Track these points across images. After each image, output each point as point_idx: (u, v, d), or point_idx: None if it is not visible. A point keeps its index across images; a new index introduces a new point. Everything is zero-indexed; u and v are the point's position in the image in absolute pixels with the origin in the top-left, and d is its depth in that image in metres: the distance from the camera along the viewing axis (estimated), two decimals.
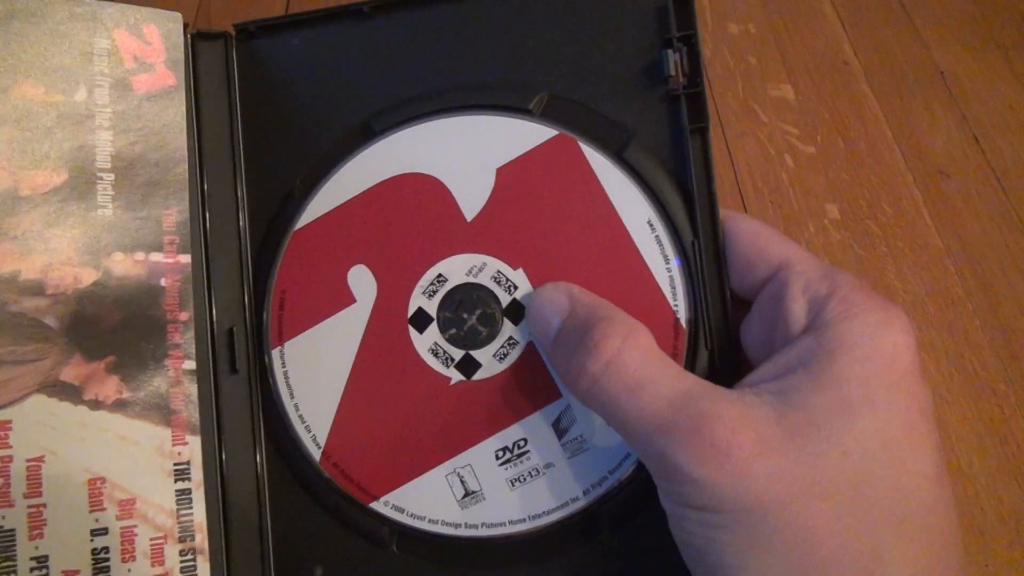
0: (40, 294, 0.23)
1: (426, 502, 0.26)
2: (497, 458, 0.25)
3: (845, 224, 0.55)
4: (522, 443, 0.25)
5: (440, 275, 0.26)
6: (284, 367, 0.26)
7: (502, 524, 0.25)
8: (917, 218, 0.56)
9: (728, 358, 0.26)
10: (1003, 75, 0.66)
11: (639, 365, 0.22)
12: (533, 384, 0.26)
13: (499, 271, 0.27)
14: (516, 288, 0.27)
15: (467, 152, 0.26)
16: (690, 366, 0.26)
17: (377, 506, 0.26)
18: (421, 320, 0.26)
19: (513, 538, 0.25)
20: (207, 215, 0.26)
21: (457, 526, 0.26)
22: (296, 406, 0.26)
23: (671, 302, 0.26)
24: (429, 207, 0.26)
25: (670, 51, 0.27)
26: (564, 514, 0.25)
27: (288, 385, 0.26)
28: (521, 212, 0.26)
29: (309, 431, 0.26)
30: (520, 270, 0.27)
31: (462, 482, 0.26)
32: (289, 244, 0.26)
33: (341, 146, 0.27)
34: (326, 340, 0.26)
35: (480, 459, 0.26)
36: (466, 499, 0.26)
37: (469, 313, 0.27)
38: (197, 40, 0.27)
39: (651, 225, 0.26)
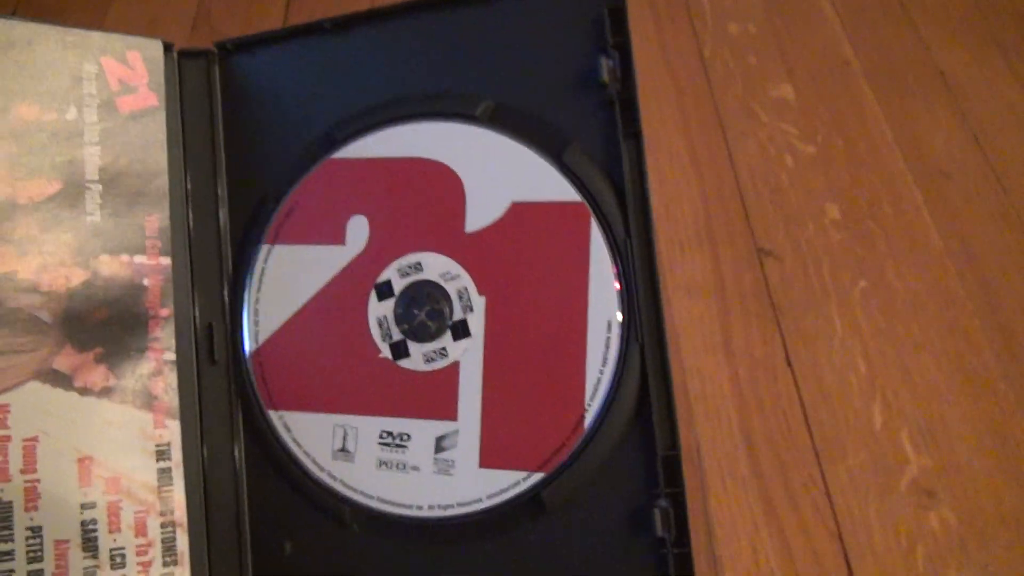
0: (35, 291, 0.26)
1: (308, 436, 0.28)
2: (381, 437, 0.28)
3: (845, 224, 0.55)
4: (406, 437, 0.28)
5: (419, 263, 0.28)
6: (265, 264, 0.28)
7: (361, 493, 0.28)
8: (917, 218, 0.56)
9: (659, 353, 0.28)
10: (1003, 75, 0.66)
11: None
12: (440, 397, 0.28)
13: (466, 288, 0.28)
14: (472, 311, 0.28)
15: (495, 170, 0.28)
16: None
17: (272, 416, 0.28)
18: (384, 291, 0.28)
19: (357, 508, 0.28)
20: (191, 218, 0.28)
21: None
22: (257, 302, 0.28)
23: (586, 400, 0.28)
24: (441, 201, 0.28)
25: (604, 57, 0.29)
26: (403, 514, 0.28)
27: (261, 282, 0.28)
28: (512, 251, 0.27)
29: (256, 327, 0.28)
30: (483, 297, 0.28)
31: (344, 438, 0.28)
32: (320, 168, 0.28)
33: (305, 154, 0.29)
34: (306, 260, 0.28)
35: (367, 429, 0.28)
36: (339, 453, 0.28)
37: (422, 308, 0.28)
38: (182, 58, 0.29)
39: (609, 325, 0.28)
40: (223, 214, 0.28)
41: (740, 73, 0.63)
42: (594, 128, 0.29)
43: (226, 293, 0.28)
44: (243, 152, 0.29)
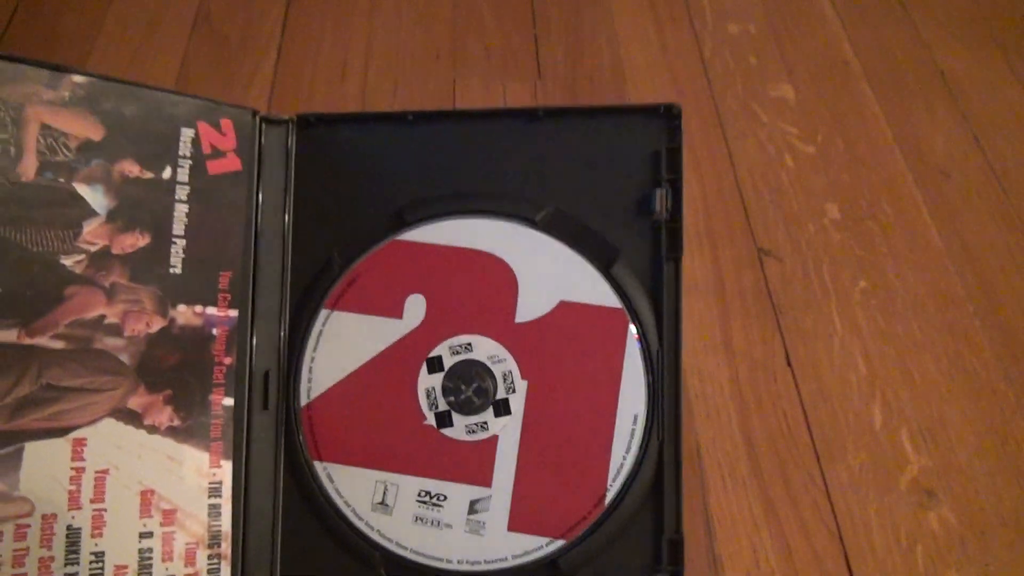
0: (119, 335, 0.28)
1: (350, 487, 0.30)
2: (419, 495, 0.30)
3: (845, 224, 0.55)
4: (442, 498, 0.30)
5: (470, 344, 0.31)
6: (323, 327, 0.31)
7: (396, 543, 0.31)
8: (917, 218, 0.56)
9: (674, 449, 0.31)
10: (1003, 75, 0.66)
11: None
12: (477, 465, 0.31)
13: (511, 371, 0.32)
14: (514, 392, 0.32)
15: (548, 270, 0.31)
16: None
17: (318, 466, 0.30)
18: (435, 365, 0.31)
19: (390, 557, 0.30)
20: (256, 273, 0.31)
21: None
22: (312, 360, 0.31)
23: (609, 480, 0.32)
24: (496, 291, 0.31)
25: (659, 189, 0.31)
26: (434, 566, 0.30)
27: (318, 342, 0.31)
28: (556, 343, 0.31)
29: (309, 383, 0.31)
30: (526, 381, 0.32)
31: (384, 493, 0.30)
32: (387, 246, 0.31)
33: (374, 229, 0.32)
34: (363, 329, 0.31)
35: (407, 487, 0.31)
36: (378, 506, 0.30)
37: (469, 385, 0.31)
38: (264, 124, 0.32)
39: (635, 418, 0.32)
40: (287, 271, 0.31)
41: (740, 73, 0.63)
42: (640, 247, 0.32)
43: (283, 346, 0.31)
44: (311, 217, 0.31)
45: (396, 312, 0.31)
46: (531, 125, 0.32)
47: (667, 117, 0.31)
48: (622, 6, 0.67)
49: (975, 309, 0.52)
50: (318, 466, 0.30)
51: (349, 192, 0.32)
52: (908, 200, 0.57)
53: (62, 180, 0.28)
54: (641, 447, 0.32)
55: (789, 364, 0.48)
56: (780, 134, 0.59)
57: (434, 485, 0.30)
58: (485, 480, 0.31)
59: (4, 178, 0.27)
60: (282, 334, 0.31)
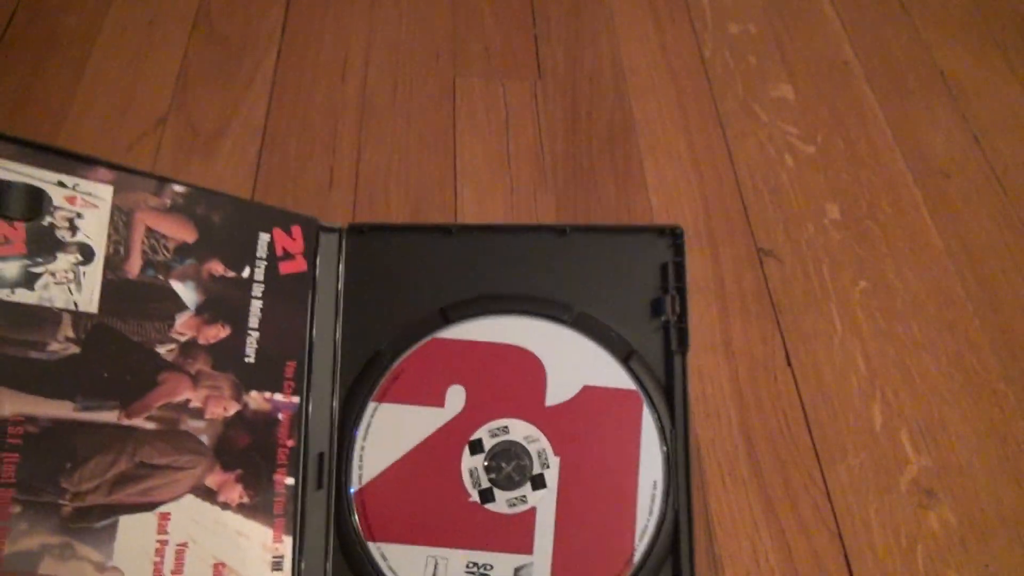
0: (200, 418, 0.31)
1: (402, 564, 0.33)
2: (467, 567, 0.33)
3: (845, 224, 0.55)
4: (489, 567, 0.33)
5: (507, 427, 0.35)
6: (372, 418, 0.34)
7: None
8: (917, 218, 0.56)
9: (688, 514, 0.35)
10: (1003, 75, 0.66)
11: None
12: (519, 535, 0.34)
13: (544, 449, 0.35)
14: (548, 467, 0.35)
15: (573, 361, 0.35)
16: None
17: (371, 546, 0.33)
18: (476, 447, 0.34)
19: None
20: (312, 364, 0.34)
21: None
22: (363, 449, 0.34)
23: (636, 541, 0.35)
24: (527, 380, 0.35)
25: (668, 296, 0.37)
26: None
27: (367, 432, 0.34)
28: (582, 422, 0.34)
29: (360, 469, 0.34)
30: (558, 457, 0.35)
31: (435, 567, 0.33)
32: (429, 342, 0.35)
33: (419, 326, 0.35)
34: (408, 418, 0.34)
35: (456, 560, 0.33)
36: None
37: (508, 463, 0.35)
38: (320, 231, 0.36)
39: (655, 484, 0.36)
40: (338, 363, 0.35)
41: (740, 73, 0.63)
42: (652, 341, 0.37)
43: (335, 431, 0.34)
44: (359, 315, 0.35)
45: (439, 401, 0.35)
46: (559, 239, 0.36)
47: (672, 236, 0.36)
48: (622, 6, 0.67)
49: (975, 309, 0.52)
50: (371, 546, 0.33)
51: (395, 293, 0.36)
52: (908, 200, 0.57)
53: (160, 277, 0.31)
54: (662, 511, 0.35)
55: (789, 364, 0.48)
56: (780, 134, 0.59)
57: (481, 556, 0.33)
58: (527, 548, 0.34)
59: (115, 274, 0.30)
60: (333, 419, 0.34)
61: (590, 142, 0.57)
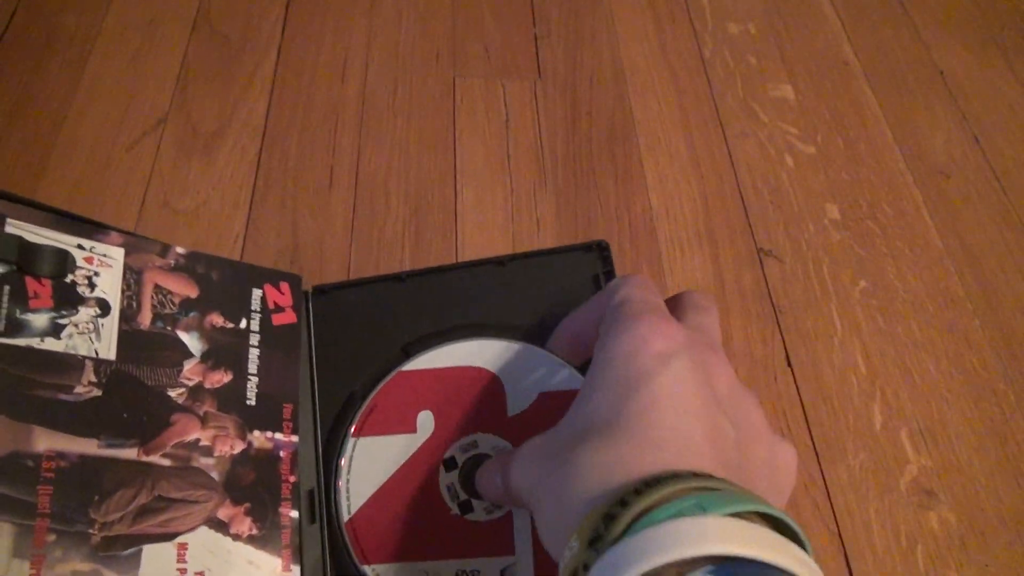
0: (210, 455, 0.34)
1: None
2: (456, 575, 0.35)
3: (845, 224, 0.55)
4: (477, 572, 0.35)
5: (475, 441, 0.36)
6: (352, 452, 0.36)
7: None
8: (917, 218, 0.56)
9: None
10: (1003, 75, 0.66)
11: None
12: (499, 539, 0.35)
13: None
14: None
15: (526, 372, 0.37)
16: None
17: (367, 568, 0.35)
18: (450, 464, 0.36)
19: None
20: (298, 410, 0.37)
21: None
22: (348, 481, 0.36)
23: None
24: (488, 396, 0.37)
25: None
26: None
27: (350, 465, 0.36)
28: (543, 425, 0.34)
29: (347, 500, 0.36)
30: None
31: None
32: (395, 377, 0.38)
33: (385, 364, 0.38)
34: (386, 447, 0.36)
35: (446, 570, 0.35)
36: None
37: None
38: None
39: None
40: (316, 406, 0.38)
41: (740, 73, 0.63)
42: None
43: (320, 467, 0.37)
44: (332, 362, 0.39)
45: (411, 428, 0.37)
46: (500, 269, 0.40)
47: (599, 250, 0.40)
48: (622, 6, 0.67)
49: (975, 309, 0.52)
50: (367, 569, 0.35)
51: (361, 339, 0.39)
52: (908, 200, 0.57)
53: (168, 328, 0.35)
54: None
55: (789, 364, 0.48)
56: (780, 134, 0.59)
57: (468, 564, 0.35)
58: (509, 550, 0.35)
59: (129, 325, 0.34)
60: (318, 456, 0.37)
61: (590, 142, 0.57)
